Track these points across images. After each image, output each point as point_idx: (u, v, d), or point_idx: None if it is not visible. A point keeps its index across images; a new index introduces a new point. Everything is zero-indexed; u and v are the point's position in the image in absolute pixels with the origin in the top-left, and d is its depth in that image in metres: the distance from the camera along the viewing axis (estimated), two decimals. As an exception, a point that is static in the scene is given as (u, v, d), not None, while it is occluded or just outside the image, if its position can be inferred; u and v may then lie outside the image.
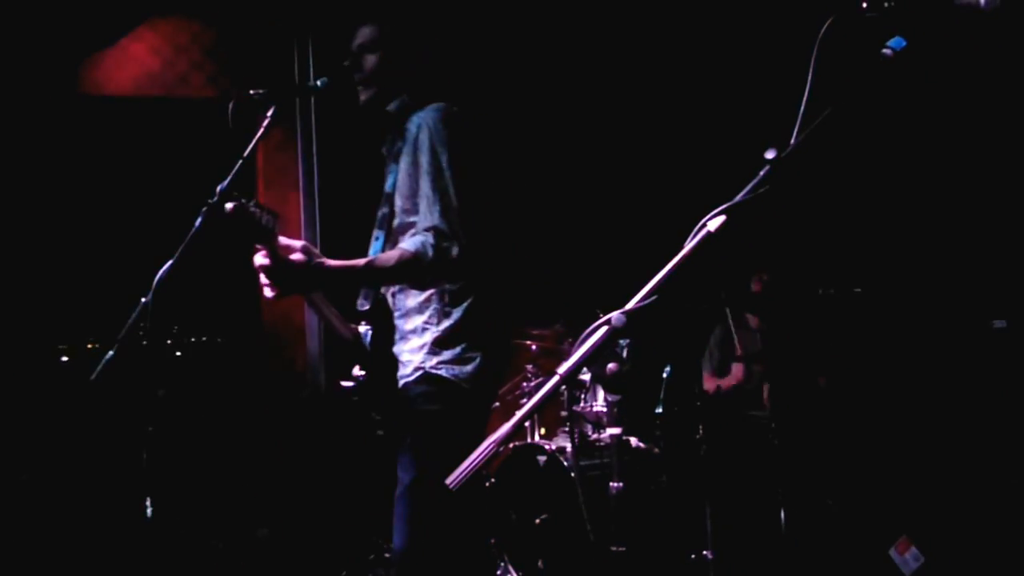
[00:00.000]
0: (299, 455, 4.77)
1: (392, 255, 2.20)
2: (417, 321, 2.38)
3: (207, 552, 4.06)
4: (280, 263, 2.03)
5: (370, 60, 2.43)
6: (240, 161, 2.31)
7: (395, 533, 2.33)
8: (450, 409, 2.33)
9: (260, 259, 2.05)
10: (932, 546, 3.65)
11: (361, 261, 2.20)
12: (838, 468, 4.08)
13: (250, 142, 2.31)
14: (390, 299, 2.46)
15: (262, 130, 2.32)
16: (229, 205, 1.95)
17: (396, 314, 2.44)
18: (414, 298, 2.39)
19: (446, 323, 2.35)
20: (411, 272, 2.21)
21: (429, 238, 2.21)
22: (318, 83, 2.46)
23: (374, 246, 2.47)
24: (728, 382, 4.67)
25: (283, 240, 2.06)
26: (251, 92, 2.33)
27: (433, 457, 2.19)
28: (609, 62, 5.18)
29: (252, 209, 1.97)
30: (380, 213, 2.47)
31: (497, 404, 4.43)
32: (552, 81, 5.20)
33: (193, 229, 2.29)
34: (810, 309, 4.39)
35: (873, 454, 4.18)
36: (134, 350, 2.31)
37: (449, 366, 2.33)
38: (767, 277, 4.56)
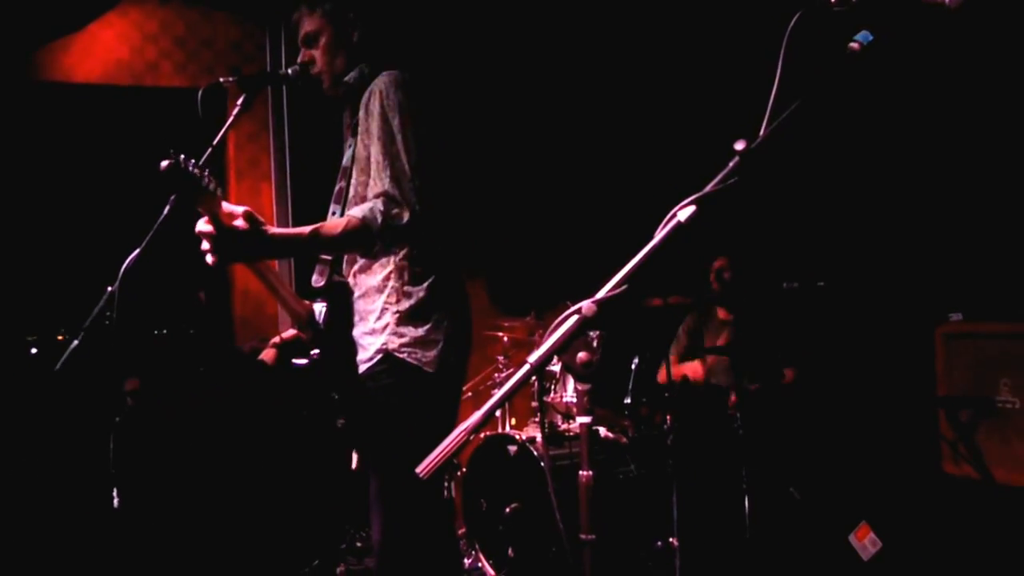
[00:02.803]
0: (268, 444, 4.75)
1: (339, 222, 2.15)
2: (377, 301, 2.31)
3: (173, 540, 4.02)
4: (222, 229, 1.99)
5: (318, 50, 2.40)
6: (209, 149, 2.30)
7: (373, 525, 2.30)
8: (416, 398, 2.27)
9: (202, 225, 2.01)
10: (889, 533, 3.74)
11: (306, 229, 2.14)
12: (801, 458, 4.14)
13: (220, 131, 2.30)
14: (351, 279, 2.41)
15: (232, 118, 2.31)
16: (164, 163, 1.89)
17: (356, 293, 2.38)
18: (374, 276, 2.33)
19: (406, 303, 2.28)
20: (359, 239, 2.16)
21: (378, 204, 2.16)
22: (289, 71, 2.44)
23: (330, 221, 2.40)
24: (694, 371, 4.69)
25: (226, 206, 2.01)
26: (221, 80, 2.31)
27: (403, 447, 2.08)
28: (578, 51, 5.19)
29: (191, 169, 1.92)
30: (337, 187, 2.42)
31: (469, 395, 4.47)
32: (522, 70, 5.21)
33: (160, 218, 2.27)
34: (775, 302, 4.44)
35: (834, 445, 4.25)
36: (101, 340, 2.28)
37: (411, 349, 2.27)
38: (723, 263, 4.57)
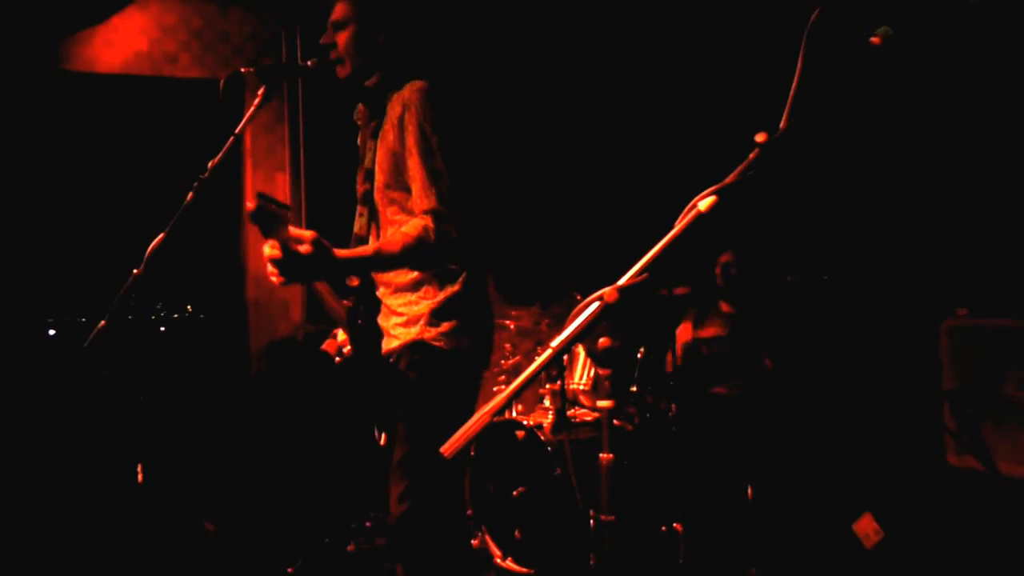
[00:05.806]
0: (281, 425, 4.81)
1: (396, 240, 2.22)
2: (410, 297, 2.43)
3: (194, 520, 4.07)
4: (289, 255, 2.03)
5: (343, 35, 2.44)
6: (232, 138, 2.34)
7: (393, 495, 2.38)
8: (446, 378, 2.40)
9: (268, 250, 2.05)
10: (892, 522, 3.78)
11: (369, 249, 2.21)
12: (804, 446, 4.19)
13: (237, 120, 2.34)
14: (378, 276, 2.50)
15: (254, 108, 2.34)
16: (250, 204, 1.97)
17: (385, 291, 2.48)
18: (404, 276, 2.43)
19: (442, 296, 2.40)
20: (416, 256, 2.24)
21: (429, 222, 2.24)
22: (307, 63, 2.48)
23: (359, 222, 2.50)
24: (683, 333, 4.69)
25: (293, 230, 2.06)
26: (242, 70, 2.35)
27: (433, 424, 2.23)
28: (586, 40, 5.20)
29: (272, 207, 1.99)
30: (363, 190, 2.49)
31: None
32: (532, 62, 5.23)
33: (184, 204, 2.31)
34: (778, 295, 4.47)
35: (837, 434, 4.29)
36: (125, 321, 2.33)
37: (446, 338, 2.39)
38: (729, 258, 4.57)
